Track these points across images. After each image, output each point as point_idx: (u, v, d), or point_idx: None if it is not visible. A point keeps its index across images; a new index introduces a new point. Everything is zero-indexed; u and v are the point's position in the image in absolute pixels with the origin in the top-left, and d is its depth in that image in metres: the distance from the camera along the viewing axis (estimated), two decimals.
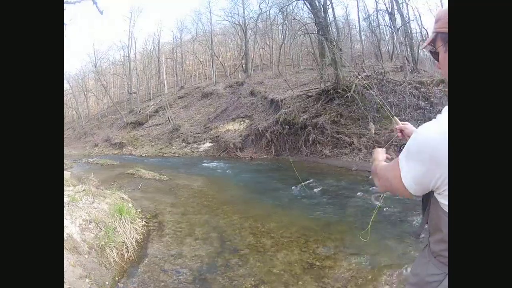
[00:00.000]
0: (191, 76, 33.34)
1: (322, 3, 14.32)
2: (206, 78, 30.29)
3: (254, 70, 26.90)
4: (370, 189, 6.35)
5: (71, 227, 3.38)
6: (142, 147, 21.76)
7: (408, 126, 1.99)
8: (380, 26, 22.75)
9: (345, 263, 3.27)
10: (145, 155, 19.83)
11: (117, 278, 3.09)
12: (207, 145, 18.09)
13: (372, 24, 21.87)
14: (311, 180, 7.63)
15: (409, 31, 18.34)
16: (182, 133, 20.52)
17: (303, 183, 6.43)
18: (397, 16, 17.82)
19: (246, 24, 27.47)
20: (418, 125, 1.32)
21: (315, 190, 6.81)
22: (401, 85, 12.69)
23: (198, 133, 19.92)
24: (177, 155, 18.17)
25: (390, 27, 19.28)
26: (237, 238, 4.20)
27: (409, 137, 1.99)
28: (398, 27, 17.59)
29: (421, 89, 12.47)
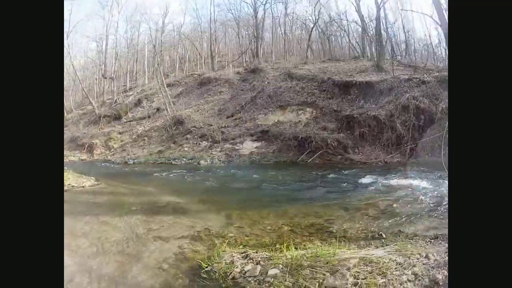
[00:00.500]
0: (179, 65, 30.98)
1: None
2: (203, 66, 29.15)
3: (265, 57, 26.31)
4: None
5: None
6: (124, 150, 16.01)
7: None
8: None
9: None
10: (134, 163, 13.91)
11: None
12: (250, 144, 13.60)
13: None
14: None
15: None
16: (194, 127, 15.34)
17: None
18: None
19: (257, 6, 26.85)
20: None
21: None
22: None
23: (224, 126, 15.25)
24: (201, 162, 12.30)
25: None
26: None
27: None
28: None
29: None
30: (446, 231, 3.71)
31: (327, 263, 2.66)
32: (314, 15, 27.42)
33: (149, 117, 19.00)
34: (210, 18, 29.68)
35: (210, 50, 28.36)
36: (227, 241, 3.62)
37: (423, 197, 5.45)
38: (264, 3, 27.86)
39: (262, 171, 9.97)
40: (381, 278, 2.41)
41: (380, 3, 19.29)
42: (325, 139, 11.82)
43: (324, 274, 2.50)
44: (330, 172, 9.22)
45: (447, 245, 3.11)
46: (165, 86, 19.87)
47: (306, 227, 4.27)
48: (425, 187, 6.25)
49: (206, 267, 2.93)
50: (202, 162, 12.47)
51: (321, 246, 3.26)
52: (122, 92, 25.70)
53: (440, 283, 2.23)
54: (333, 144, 11.66)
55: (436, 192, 5.73)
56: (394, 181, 7.08)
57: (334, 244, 3.36)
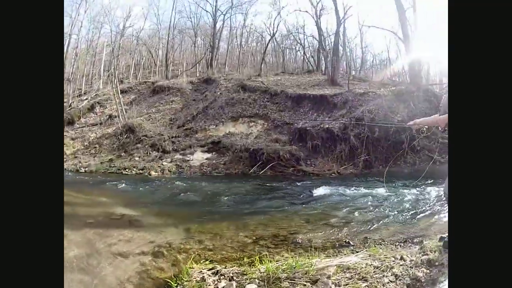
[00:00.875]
0: (133, 72, 30.47)
1: None
2: (157, 74, 28.67)
3: (219, 67, 26.42)
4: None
5: None
6: (76, 157, 14.75)
7: (416, 120, 2.77)
8: None
9: None
10: (85, 171, 12.87)
11: None
12: (201, 155, 13.21)
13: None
14: None
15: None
16: (145, 137, 14.73)
17: None
18: None
19: (217, 16, 26.98)
20: None
21: None
22: None
23: (175, 136, 14.73)
24: (152, 173, 11.81)
25: None
26: None
27: (422, 126, 2.76)
28: None
29: None
30: (412, 235, 3.89)
31: (306, 273, 2.55)
32: (272, 27, 28.13)
33: (101, 123, 18.13)
34: (170, 24, 29.43)
35: (166, 57, 28.01)
36: (191, 256, 3.38)
37: (382, 205, 5.60)
38: (224, 13, 28.08)
39: (214, 183, 9.76)
40: (363, 283, 2.40)
41: (342, 18, 20.15)
42: (277, 151, 11.80)
43: (305, 285, 2.39)
44: (284, 183, 9.24)
45: (417, 247, 3.21)
46: (119, 92, 19.16)
47: (270, 239, 4.16)
48: (383, 196, 6.46)
49: (176, 287, 2.68)
50: (153, 172, 11.99)
51: (293, 257, 3.14)
52: (77, 95, 24.32)
53: (422, 280, 2.33)
54: (285, 156, 11.66)
55: (393, 200, 5.92)
56: (350, 191, 7.24)
57: (303, 255, 3.31)
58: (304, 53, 28.41)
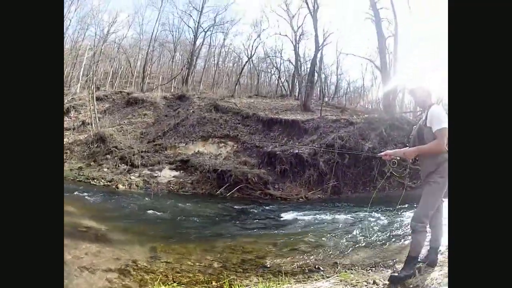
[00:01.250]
0: (111, 80, 30.12)
1: None
2: (133, 85, 28.14)
3: (194, 85, 26.22)
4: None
5: None
6: None
7: (388, 151, 2.93)
8: None
9: None
10: None
11: None
12: (169, 173, 12.93)
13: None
14: None
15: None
16: (115, 148, 14.36)
17: None
18: None
19: (198, 32, 27.02)
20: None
21: None
22: None
23: (145, 151, 14.38)
24: (119, 186, 11.43)
25: None
26: None
27: (394, 157, 2.85)
28: None
29: None
30: (383, 259, 3.93)
31: None
32: (251, 49, 28.49)
33: (74, 129, 17.43)
34: (152, 36, 29.23)
35: (143, 69, 27.71)
36: (159, 277, 3.32)
37: (352, 230, 5.67)
38: (206, 30, 28.28)
39: (181, 202, 9.52)
40: None
41: (321, 44, 20.71)
42: (246, 173, 11.67)
43: None
44: (251, 206, 9.16)
45: (390, 270, 3.23)
46: (95, 99, 18.71)
47: (238, 263, 4.12)
48: (352, 221, 6.53)
49: None
50: (120, 186, 11.63)
51: (262, 282, 3.07)
52: None
53: None
54: (253, 179, 11.54)
55: (364, 225, 6.00)
56: (318, 216, 7.26)
57: (273, 280, 3.28)
58: (279, 77, 29.06)
